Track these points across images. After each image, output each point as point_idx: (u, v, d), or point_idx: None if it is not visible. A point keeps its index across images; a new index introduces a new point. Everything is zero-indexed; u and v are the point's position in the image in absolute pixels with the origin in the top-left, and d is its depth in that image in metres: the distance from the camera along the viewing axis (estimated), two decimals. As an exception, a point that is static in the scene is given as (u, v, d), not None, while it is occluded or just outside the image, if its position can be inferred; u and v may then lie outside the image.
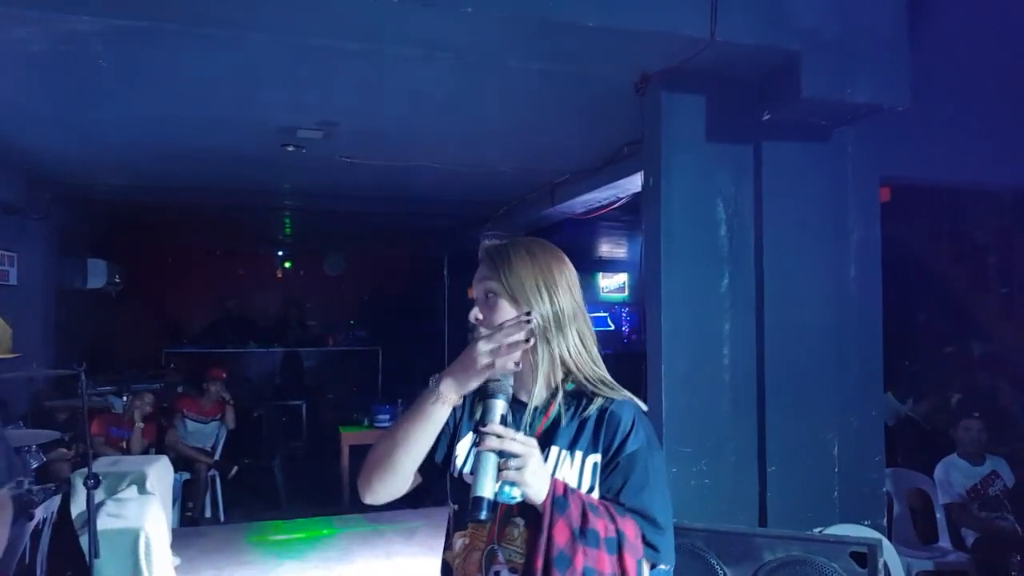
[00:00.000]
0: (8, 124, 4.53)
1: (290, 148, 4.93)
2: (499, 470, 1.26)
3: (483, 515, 1.26)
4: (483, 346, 1.31)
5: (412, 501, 1.61)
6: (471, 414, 1.48)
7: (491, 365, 1.31)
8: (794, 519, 3.22)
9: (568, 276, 1.45)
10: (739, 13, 2.88)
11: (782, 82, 3.11)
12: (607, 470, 1.38)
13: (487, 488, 1.26)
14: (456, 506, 1.45)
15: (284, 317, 11.00)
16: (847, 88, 3.07)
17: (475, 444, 1.32)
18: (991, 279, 7.06)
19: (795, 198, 3.39)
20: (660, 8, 2.82)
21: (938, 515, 4.53)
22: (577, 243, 9.72)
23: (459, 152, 5.22)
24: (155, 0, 2.66)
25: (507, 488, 1.27)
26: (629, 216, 7.05)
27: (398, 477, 1.41)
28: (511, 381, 1.37)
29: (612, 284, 11.86)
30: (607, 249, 10.94)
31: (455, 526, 1.46)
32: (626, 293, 11.90)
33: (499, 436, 1.27)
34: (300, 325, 10.97)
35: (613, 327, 12.00)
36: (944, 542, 4.47)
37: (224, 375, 7.18)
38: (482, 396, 1.36)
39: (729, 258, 3.32)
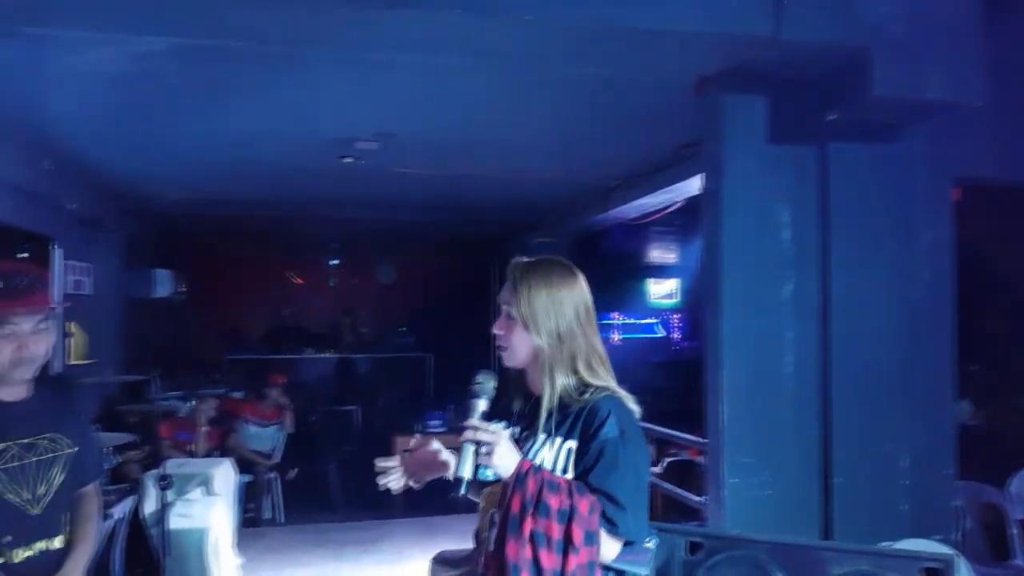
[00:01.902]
0: (83, 142, 4.72)
1: (347, 160, 5.01)
2: (476, 455, 1.60)
3: (462, 491, 1.60)
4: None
5: (467, 506, 1.93)
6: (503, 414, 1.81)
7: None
8: (860, 533, 3.12)
9: (577, 300, 1.73)
10: (805, 10, 2.81)
11: (850, 81, 3.02)
12: (580, 454, 1.64)
13: (466, 471, 1.61)
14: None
15: (337, 324, 11.15)
16: (919, 86, 2.97)
17: (461, 438, 1.64)
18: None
19: (862, 200, 3.30)
20: (721, 8, 2.76)
21: (1012, 531, 4.35)
22: (626, 248, 9.65)
23: (512, 159, 5.24)
24: (222, 19, 2.74)
25: (483, 467, 1.62)
26: (680, 220, 6.97)
27: None
28: (492, 383, 1.72)
29: (662, 290, 11.70)
30: (657, 254, 10.81)
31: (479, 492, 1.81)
32: (676, 299, 11.73)
33: (475, 428, 1.61)
34: (353, 332, 11.10)
35: (663, 334, 11.85)
36: (1019, 559, 4.28)
37: (283, 380, 7.33)
38: (467, 396, 1.70)
39: (793, 263, 3.25)
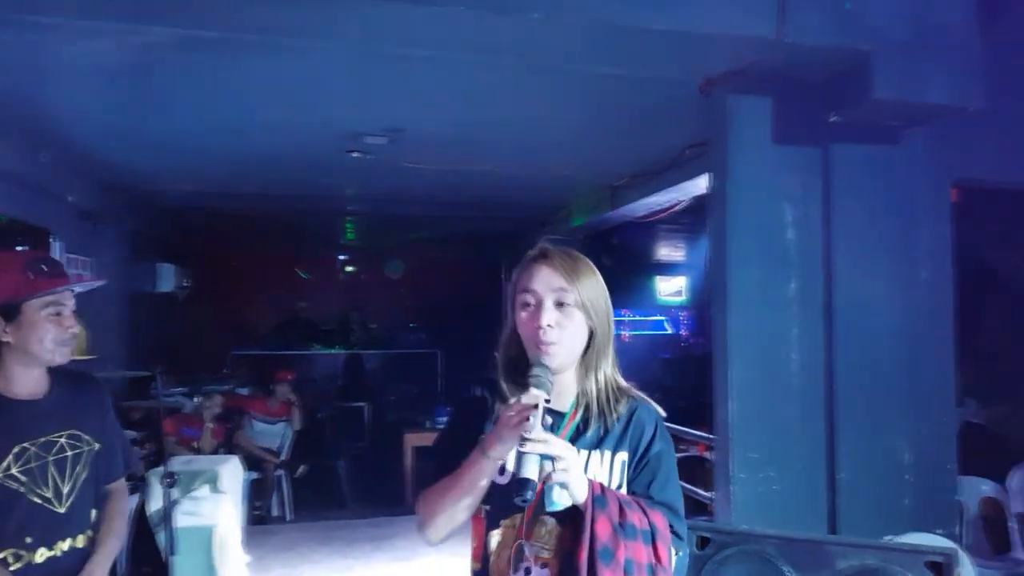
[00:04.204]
0: (83, 133, 4.68)
1: (356, 154, 5.03)
2: (543, 471, 1.31)
3: (528, 496, 1.27)
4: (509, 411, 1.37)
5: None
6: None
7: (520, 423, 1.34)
8: (864, 527, 3.17)
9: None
10: (808, 14, 2.85)
11: (852, 83, 3.06)
12: (637, 467, 1.50)
13: (531, 472, 1.28)
14: (488, 507, 1.49)
15: (346, 320, 11.16)
16: (919, 89, 3.01)
17: (519, 448, 1.31)
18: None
19: (864, 201, 3.34)
20: (727, 11, 2.81)
21: (1011, 524, 4.38)
22: (635, 246, 9.66)
23: (520, 156, 5.26)
24: (228, 11, 2.73)
25: (554, 494, 1.38)
26: (688, 219, 6.99)
27: (463, 518, 1.49)
28: (549, 377, 1.42)
29: (670, 288, 11.74)
30: (665, 252, 10.85)
31: (488, 525, 1.50)
32: (684, 297, 11.76)
33: (544, 441, 1.30)
34: (362, 327, 11.11)
35: (671, 331, 11.88)
36: (1018, 553, 4.32)
37: (290, 376, 7.34)
38: (530, 384, 1.40)
39: (797, 261, 3.29)
